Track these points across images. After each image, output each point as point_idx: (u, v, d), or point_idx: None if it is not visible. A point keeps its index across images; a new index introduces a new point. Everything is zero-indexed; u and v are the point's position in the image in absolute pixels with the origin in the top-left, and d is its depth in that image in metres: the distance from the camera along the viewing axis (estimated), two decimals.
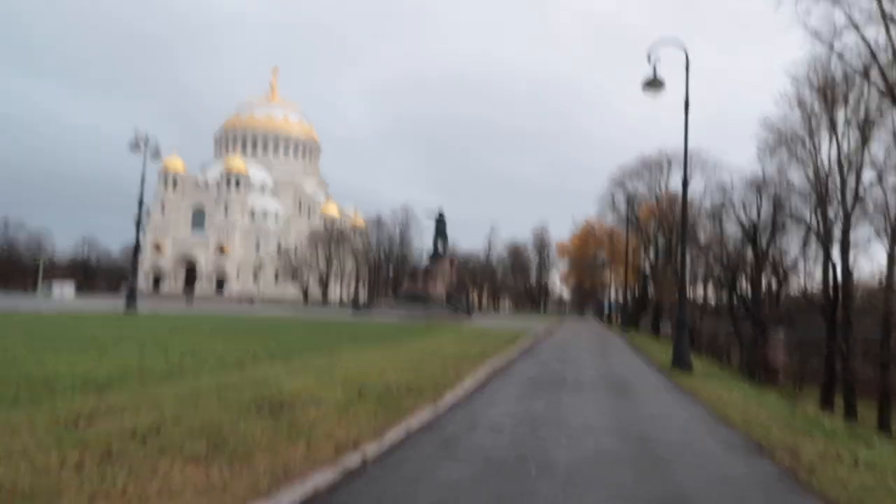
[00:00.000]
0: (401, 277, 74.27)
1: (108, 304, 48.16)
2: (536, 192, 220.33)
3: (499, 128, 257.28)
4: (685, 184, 17.06)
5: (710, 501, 4.91)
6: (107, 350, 11.01)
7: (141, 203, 30.72)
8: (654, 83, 15.48)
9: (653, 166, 53.04)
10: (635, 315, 53.63)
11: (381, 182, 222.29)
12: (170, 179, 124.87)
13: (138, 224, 30.84)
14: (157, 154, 32.03)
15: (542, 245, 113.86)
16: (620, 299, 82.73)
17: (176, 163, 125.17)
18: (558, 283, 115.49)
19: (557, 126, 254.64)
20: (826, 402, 30.65)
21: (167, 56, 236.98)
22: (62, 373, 8.06)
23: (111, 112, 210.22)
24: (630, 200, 48.24)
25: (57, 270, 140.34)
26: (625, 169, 53.54)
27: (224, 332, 17.36)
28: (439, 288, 50.22)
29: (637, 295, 57.68)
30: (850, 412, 28.18)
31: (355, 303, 52.44)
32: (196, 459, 4.62)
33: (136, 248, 32.48)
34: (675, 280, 47.81)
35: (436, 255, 52.37)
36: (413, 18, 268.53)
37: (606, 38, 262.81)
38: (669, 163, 52.31)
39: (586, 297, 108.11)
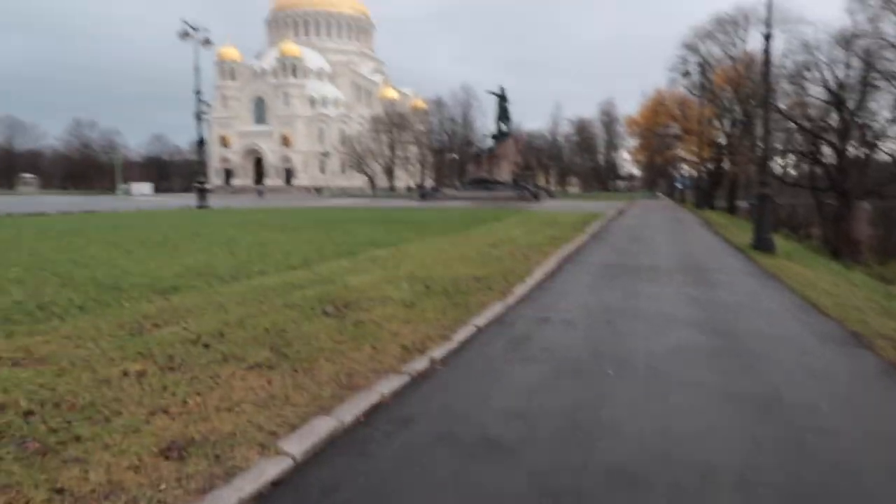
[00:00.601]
0: (466, 161, 73.22)
1: (182, 200, 49.75)
2: (603, 66, 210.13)
3: None
4: (768, 37, 15.33)
5: (809, 401, 4.48)
6: (177, 249, 11.13)
7: (198, 94, 30.67)
8: None
9: (728, 25, 48.55)
10: (710, 192, 51.44)
11: (436, 63, 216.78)
12: (227, 69, 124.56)
13: (198, 116, 30.89)
14: (207, 42, 31.54)
15: (609, 121, 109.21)
16: (694, 175, 79.75)
17: (231, 52, 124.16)
18: (628, 161, 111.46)
19: None
20: None
21: None
22: (134, 273, 8.10)
23: (159, 6, 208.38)
24: (703, 66, 44.72)
25: (132, 169, 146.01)
26: (698, 30, 49.18)
27: (291, 225, 17.44)
28: (505, 171, 49.30)
29: (712, 170, 55.10)
30: None
31: (422, 189, 52.22)
32: (258, 367, 4.47)
33: (200, 142, 32.81)
34: (753, 152, 45.31)
35: (500, 137, 50.90)
36: None
37: None
38: (747, 20, 47.74)
39: (658, 175, 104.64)
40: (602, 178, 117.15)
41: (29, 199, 54.98)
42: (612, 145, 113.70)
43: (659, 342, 5.97)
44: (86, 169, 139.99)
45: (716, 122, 52.24)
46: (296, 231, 15.30)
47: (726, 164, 52.71)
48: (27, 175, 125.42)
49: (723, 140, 52.56)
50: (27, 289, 6.84)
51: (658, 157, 66.71)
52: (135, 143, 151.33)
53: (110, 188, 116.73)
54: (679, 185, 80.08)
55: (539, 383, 4.71)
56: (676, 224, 24.14)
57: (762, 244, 14.29)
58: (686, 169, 73.25)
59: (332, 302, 6.64)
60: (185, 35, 30.42)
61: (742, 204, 50.87)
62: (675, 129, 55.26)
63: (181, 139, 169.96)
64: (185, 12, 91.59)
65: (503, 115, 51.16)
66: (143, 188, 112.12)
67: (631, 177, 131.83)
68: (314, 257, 10.10)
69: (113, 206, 33.11)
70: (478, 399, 4.36)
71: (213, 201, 51.40)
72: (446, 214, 23.62)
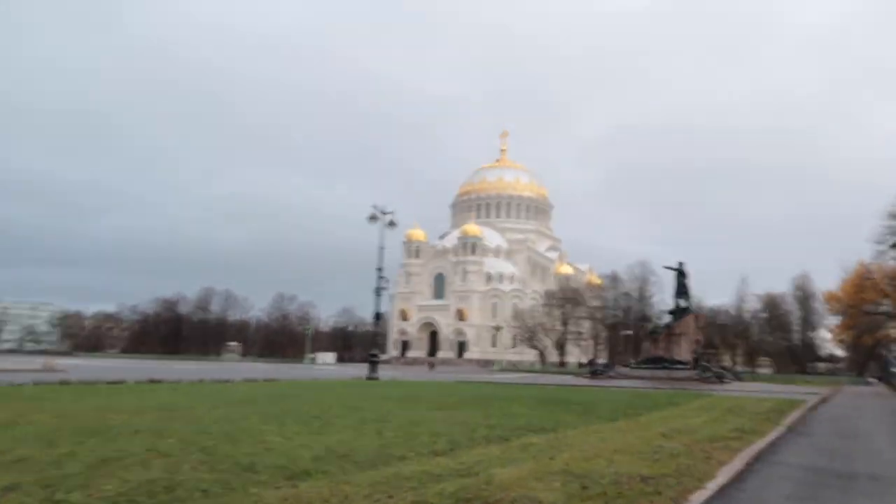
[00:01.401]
0: (641, 338, 69.97)
1: (357, 370, 51.78)
2: (789, 239, 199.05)
3: (730, 168, 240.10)
4: None
5: None
6: (328, 424, 10.93)
7: (380, 270, 32.61)
8: None
9: None
10: None
11: (609, 240, 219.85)
12: (412, 249, 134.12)
13: (378, 291, 32.62)
14: (392, 224, 33.99)
15: (804, 297, 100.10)
16: None
17: (417, 233, 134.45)
18: (828, 341, 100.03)
19: (800, 159, 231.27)
20: None
21: (404, 142, 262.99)
22: (276, 452, 7.88)
23: (361, 197, 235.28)
24: None
25: (321, 338, 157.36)
26: None
27: (451, 402, 16.91)
28: (684, 349, 46.03)
29: None
30: None
31: (593, 366, 50.08)
32: None
33: (377, 316, 34.35)
34: None
35: (678, 313, 48.22)
36: (622, 73, 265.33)
37: (833, 56, 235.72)
38: None
39: (867, 357, 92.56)
40: (798, 358, 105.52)
41: (226, 366, 60.28)
42: (808, 323, 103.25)
43: None
44: (282, 338, 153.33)
45: None
46: (452, 409, 14.70)
47: None
48: (232, 343, 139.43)
49: None
50: (168, 465, 6.78)
51: (867, 338, 59.22)
52: (326, 314, 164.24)
53: (301, 356, 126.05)
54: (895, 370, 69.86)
55: None
56: None
57: None
58: None
59: (468, 501, 5.81)
60: (373, 218, 33.17)
61: None
62: (886, 306, 49.17)
63: (367, 311, 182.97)
64: (380, 197, 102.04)
65: (682, 290, 48.83)
66: (327, 357, 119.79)
67: (833, 358, 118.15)
68: (463, 441, 9.35)
69: (293, 375, 35.00)
70: None
71: (385, 372, 52.88)
72: (616, 396, 21.87)
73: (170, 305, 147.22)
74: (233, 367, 51.22)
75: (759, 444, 11.48)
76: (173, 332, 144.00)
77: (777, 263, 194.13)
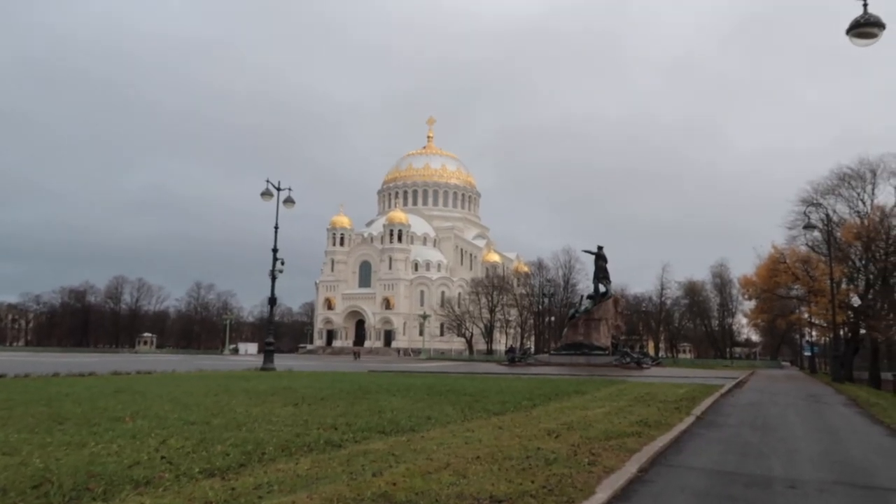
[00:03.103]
0: (564, 324, 69.36)
1: (276, 360, 48.60)
2: (707, 236, 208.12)
3: (636, 176, 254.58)
4: None
5: None
6: (109, 430, 8.34)
7: (275, 252, 29.95)
8: (867, 24, 10.73)
9: (853, 181, 44.70)
10: (847, 361, 44.48)
11: (523, 234, 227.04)
12: (337, 236, 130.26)
13: (273, 277, 29.91)
14: (290, 201, 31.22)
15: (722, 284, 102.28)
16: (822, 341, 70.99)
17: (342, 220, 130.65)
18: (745, 326, 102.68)
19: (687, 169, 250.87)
20: None
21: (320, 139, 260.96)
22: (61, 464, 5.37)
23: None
24: (827, 222, 40.27)
25: (244, 329, 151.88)
26: (817, 186, 45.53)
27: (321, 395, 14.52)
28: (603, 335, 45.03)
29: (847, 336, 48.32)
30: None
31: (511, 353, 48.54)
32: None
33: (272, 301, 31.57)
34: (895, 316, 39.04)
35: (597, 298, 47.10)
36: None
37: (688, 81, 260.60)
38: (874, 174, 43.77)
39: (781, 341, 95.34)
40: (717, 344, 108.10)
41: (123, 358, 55.83)
42: (726, 310, 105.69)
43: None
44: (201, 329, 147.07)
45: (844, 283, 46.42)
46: (312, 404, 12.32)
47: (864, 329, 46.07)
48: (146, 334, 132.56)
49: (857, 302, 46.36)
50: None
51: (781, 322, 60.11)
52: (249, 305, 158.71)
53: (221, 347, 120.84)
54: (808, 353, 71.63)
55: None
56: (813, 403, 19.20)
57: None
58: (814, 334, 65.63)
59: None
60: (266, 194, 30.25)
61: (886, 375, 43.65)
62: (798, 290, 49.64)
63: (293, 302, 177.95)
64: (302, 188, 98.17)
65: (601, 274, 47.71)
66: (249, 347, 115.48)
67: (750, 343, 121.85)
68: (271, 451, 7.01)
69: (189, 366, 31.92)
70: None
71: (298, 362, 49.98)
72: (521, 384, 19.97)
73: (77, 296, 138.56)
74: (127, 359, 47.07)
75: (662, 440, 9.61)
76: (81, 323, 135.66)
77: (696, 257, 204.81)
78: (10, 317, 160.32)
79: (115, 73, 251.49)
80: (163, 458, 6.37)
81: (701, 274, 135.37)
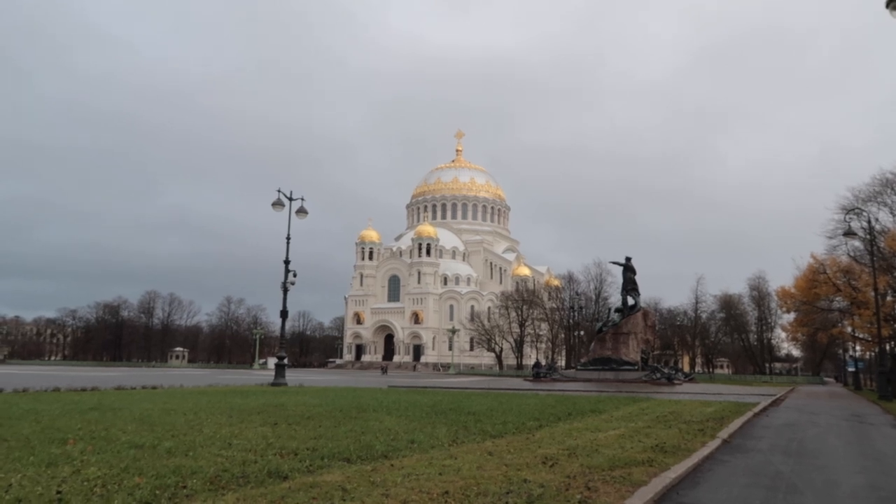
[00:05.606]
0: (593, 338, 67.39)
1: (295, 375, 47.96)
2: (748, 241, 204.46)
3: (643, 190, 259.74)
4: None
5: None
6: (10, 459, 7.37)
7: (287, 264, 29.19)
8: None
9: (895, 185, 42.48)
10: (894, 377, 41.89)
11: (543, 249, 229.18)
12: (366, 250, 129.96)
13: (285, 289, 29.11)
14: (302, 211, 30.49)
15: (760, 297, 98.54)
16: (867, 356, 67.63)
17: (371, 234, 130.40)
18: (785, 341, 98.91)
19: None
20: None
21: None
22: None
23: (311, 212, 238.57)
24: (870, 230, 38.04)
25: (274, 343, 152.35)
26: (858, 192, 43.32)
27: (312, 413, 13.49)
28: (632, 349, 43.27)
29: (894, 350, 45.79)
30: None
31: (536, 368, 47.04)
32: None
33: (283, 314, 30.74)
34: None
35: (626, 311, 45.38)
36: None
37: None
38: None
39: (822, 356, 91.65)
40: (756, 359, 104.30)
41: (149, 372, 55.75)
42: (765, 324, 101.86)
43: None
44: (232, 343, 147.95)
45: (892, 294, 43.94)
46: (297, 424, 11.27)
47: None
48: (178, 349, 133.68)
49: None
50: None
51: (822, 336, 57.44)
52: (280, 319, 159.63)
53: (251, 361, 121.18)
54: (851, 368, 68.40)
55: None
56: (857, 424, 17.51)
57: None
58: (858, 349, 62.62)
59: None
60: (277, 204, 29.55)
61: None
62: (840, 302, 47.23)
63: (324, 316, 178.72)
64: (327, 207, 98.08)
65: (630, 286, 46.02)
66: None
67: (790, 358, 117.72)
68: (198, 486, 5.95)
69: (208, 381, 31.35)
70: None
71: (326, 376, 49.26)
72: (534, 402, 18.65)
73: (111, 310, 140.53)
74: (149, 374, 46.85)
75: (676, 469, 8.32)
76: (115, 338, 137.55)
77: (733, 271, 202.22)
78: (49, 331, 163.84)
79: (144, 107, 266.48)
80: (58, 493, 5.36)
81: (737, 287, 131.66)
